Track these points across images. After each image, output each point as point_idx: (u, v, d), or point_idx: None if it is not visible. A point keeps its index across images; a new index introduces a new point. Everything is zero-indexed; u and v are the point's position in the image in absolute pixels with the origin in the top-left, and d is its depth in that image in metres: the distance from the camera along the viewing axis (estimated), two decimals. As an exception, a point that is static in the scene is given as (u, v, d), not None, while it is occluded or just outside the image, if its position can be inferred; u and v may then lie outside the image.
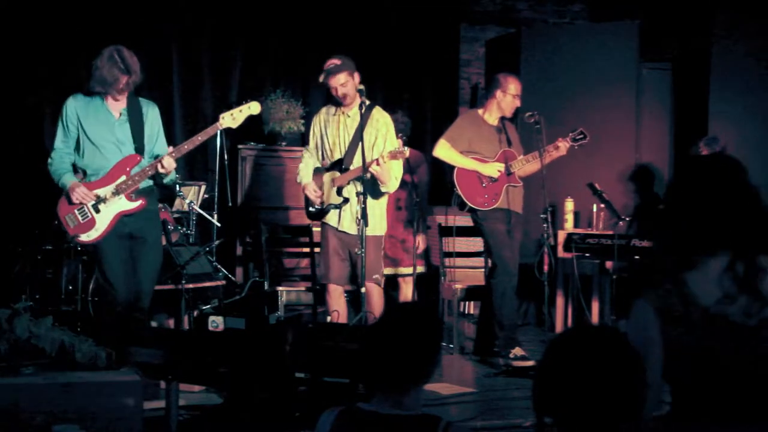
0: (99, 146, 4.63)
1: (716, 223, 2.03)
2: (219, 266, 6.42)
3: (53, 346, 3.56)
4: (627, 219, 5.98)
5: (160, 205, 5.91)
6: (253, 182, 7.31)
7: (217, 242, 6.64)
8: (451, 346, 5.98)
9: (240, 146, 7.33)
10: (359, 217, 4.92)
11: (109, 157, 4.63)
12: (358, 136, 5.05)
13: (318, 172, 5.33)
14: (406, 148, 4.99)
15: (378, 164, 4.91)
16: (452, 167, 5.58)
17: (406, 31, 7.98)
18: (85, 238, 4.63)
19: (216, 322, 4.12)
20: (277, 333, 3.99)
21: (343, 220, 5.15)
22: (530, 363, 5.32)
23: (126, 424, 3.30)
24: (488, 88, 5.67)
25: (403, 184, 5.50)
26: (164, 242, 5.87)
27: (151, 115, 4.78)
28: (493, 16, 8.38)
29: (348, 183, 5.10)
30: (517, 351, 5.46)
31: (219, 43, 7.59)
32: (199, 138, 4.68)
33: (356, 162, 5.06)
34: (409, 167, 5.65)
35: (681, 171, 2.18)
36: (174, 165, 4.66)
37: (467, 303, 7.47)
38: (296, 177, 5.48)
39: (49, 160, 4.69)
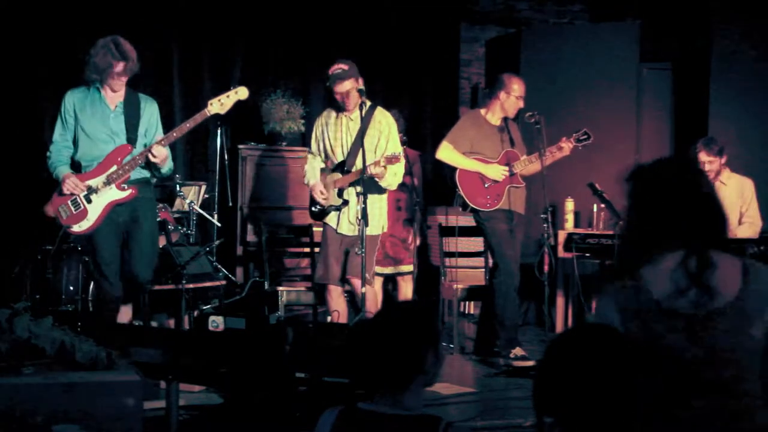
0: (93, 138, 4.69)
1: (671, 221, 2.13)
2: (219, 266, 6.42)
3: (53, 346, 3.55)
4: (627, 219, 5.97)
5: (161, 205, 5.92)
6: (254, 182, 7.30)
7: (217, 242, 6.64)
8: (451, 346, 5.98)
9: (240, 146, 7.33)
10: (359, 218, 4.93)
11: (102, 148, 4.69)
12: (360, 138, 5.05)
13: (323, 173, 5.34)
14: (400, 153, 4.99)
15: (377, 167, 4.92)
16: (454, 168, 5.58)
17: (406, 31, 7.98)
18: (77, 228, 4.67)
19: (216, 322, 4.12)
20: (277, 333, 3.99)
21: (342, 222, 5.18)
22: (530, 363, 5.32)
23: (126, 424, 3.30)
24: (492, 88, 5.66)
25: (402, 185, 5.51)
26: (164, 242, 5.88)
27: (149, 110, 4.82)
28: (493, 16, 8.38)
29: (348, 185, 5.12)
30: (518, 351, 5.46)
31: (219, 43, 7.59)
32: (188, 125, 4.72)
33: (358, 164, 5.09)
34: (409, 168, 5.66)
35: (640, 173, 2.27)
36: (165, 153, 4.67)
37: (467, 303, 7.47)
38: (303, 179, 5.49)
39: (48, 153, 4.75)
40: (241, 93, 4.82)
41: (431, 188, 7.40)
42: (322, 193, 5.23)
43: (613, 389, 1.75)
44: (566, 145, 5.55)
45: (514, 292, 5.50)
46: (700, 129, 6.82)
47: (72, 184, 4.62)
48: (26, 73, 6.88)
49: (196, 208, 6.65)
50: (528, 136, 5.78)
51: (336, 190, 5.16)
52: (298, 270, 7.06)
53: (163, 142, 4.67)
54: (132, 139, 4.72)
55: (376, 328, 2.18)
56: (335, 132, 5.24)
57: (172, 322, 5.85)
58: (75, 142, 4.74)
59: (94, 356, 3.58)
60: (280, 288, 6.15)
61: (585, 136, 5.60)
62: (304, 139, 7.78)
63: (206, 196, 6.96)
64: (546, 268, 5.88)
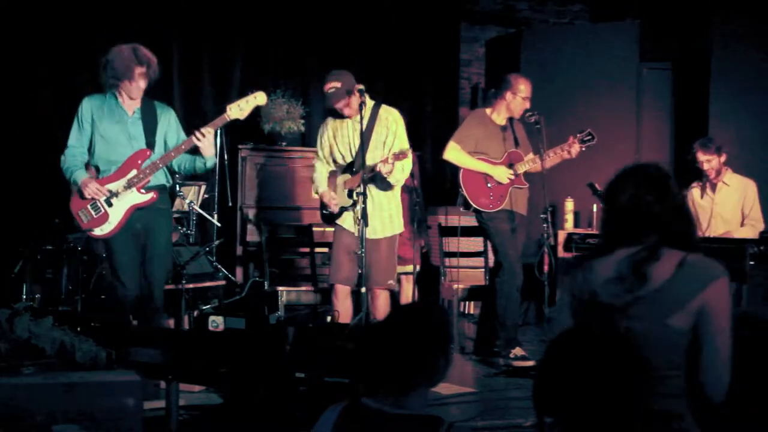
0: (112, 142, 4.69)
1: (631, 218, 2.35)
2: (219, 266, 6.42)
3: (53, 346, 3.56)
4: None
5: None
6: (253, 182, 7.30)
7: (216, 242, 6.64)
8: (451, 346, 5.97)
9: (240, 146, 7.33)
10: (359, 218, 4.93)
11: (121, 152, 4.69)
12: (367, 136, 5.08)
13: (332, 176, 5.34)
14: (408, 149, 5.01)
15: (385, 163, 4.93)
16: (457, 168, 5.58)
17: (406, 31, 7.99)
18: (99, 232, 4.68)
19: (216, 322, 4.12)
20: (277, 333, 3.99)
21: (354, 226, 5.15)
22: (530, 363, 5.31)
23: (126, 424, 3.30)
24: (498, 88, 5.66)
25: (403, 185, 5.51)
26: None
27: (165, 116, 4.83)
28: (493, 16, 8.39)
29: (359, 185, 5.11)
30: (518, 351, 5.46)
31: (219, 43, 7.59)
32: (209, 129, 4.70)
33: (369, 161, 5.10)
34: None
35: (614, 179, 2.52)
36: (211, 137, 4.68)
37: (467, 303, 7.47)
38: (310, 183, 5.49)
39: (62, 157, 4.74)
40: (260, 98, 4.82)
41: (431, 188, 7.41)
42: (332, 198, 5.22)
43: (613, 389, 1.75)
44: (574, 148, 5.54)
45: (517, 292, 5.50)
46: (700, 129, 6.82)
47: (94, 189, 4.61)
48: (27, 73, 6.88)
49: (196, 208, 6.65)
50: (528, 136, 5.78)
51: (346, 191, 5.15)
52: (298, 270, 7.06)
53: (183, 146, 4.68)
54: (151, 143, 4.72)
55: (390, 331, 2.18)
56: (342, 135, 5.23)
57: (171, 322, 5.85)
58: (91, 148, 4.75)
59: (94, 356, 3.58)
60: (280, 288, 6.15)
61: (589, 137, 5.60)
62: (303, 139, 7.79)
63: (206, 196, 6.96)
64: (546, 268, 5.87)
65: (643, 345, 2.08)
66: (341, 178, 5.25)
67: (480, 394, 4.84)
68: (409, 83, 7.99)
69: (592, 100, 7.33)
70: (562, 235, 6.63)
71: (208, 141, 4.68)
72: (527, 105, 5.54)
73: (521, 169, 5.57)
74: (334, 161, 5.33)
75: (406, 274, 6.36)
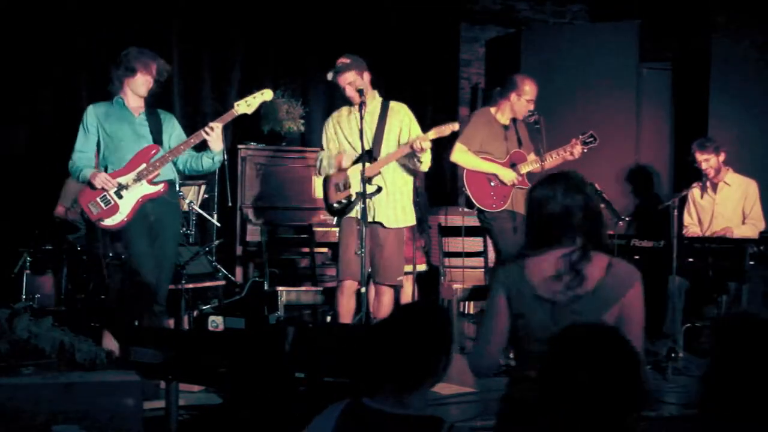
0: (120, 140, 4.80)
1: (560, 221, 2.59)
2: (219, 266, 6.42)
3: (53, 346, 3.56)
4: (627, 219, 5.98)
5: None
6: (253, 182, 7.30)
7: (216, 242, 6.64)
8: (452, 346, 5.97)
9: (240, 146, 7.33)
10: (359, 217, 4.92)
11: (130, 148, 4.79)
12: (380, 129, 5.10)
13: (340, 170, 5.29)
14: (455, 122, 5.05)
15: (425, 140, 4.94)
16: (462, 167, 5.59)
17: (406, 31, 7.98)
18: (109, 222, 4.75)
19: (216, 322, 4.12)
20: (277, 333, 3.99)
21: (377, 211, 5.12)
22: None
23: (126, 424, 3.30)
24: (504, 88, 5.66)
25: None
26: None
27: (169, 121, 4.96)
28: (493, 16, 8.38)
29: (378, 173, 5.10)
30: (518, 351, 5.45)
31: (219, 43, 7.59)
32: (218, 123, 4.79)
33: (384, 152, 5.10)
34: None
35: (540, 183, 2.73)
36: (220, 131, 4.76)
37: (467, 303, 7.47)
38: (316, 172, 5.46)
39: (70, 162, 4.84)
40: (267, 95, 4.96)
41: (431, 188, 7.40)
42: (347, 159, 5.17)
43: (613, 387, 1.76)
44: (576, 150, 5.55)
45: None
46: (700, 129, 6.81)
47: (103, 179, 4.69)
48: (27, 73, 6.87)
49: (196, 208, 6.65)
50: (528, 132, 5.78)
51: (362, 178, 5.08)
52: (298, 270, 7.06)
53: (193, 139, 4.77)
54: (158, 140, 4.83)
55: (392, 331, 2.18)
56: (349, 127, 5.20)
57: (171, 322, 5.85)
58: (99, 152, 4.85)
59: (94, 356, 3.59)
60: (280, 288, 6.15)
61: (591, 139, 5.61)
62: (303, 139, 7.78)
63: (206, 196, 6.96)
64: (546, 268, 5.86)
65: None
66: (355, 168, 5.17)
67: (480, 394, 4.83)
68: (409, 83, 7.98)
69: (591, 100, 7.32)
70: (562, 235, 6.62)
71: (216, 135, 4.76)
72: (531, 107, 5.54)
73: (524, 169, 5.57)
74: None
75: (406, 274, 6.36)
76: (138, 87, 4.79)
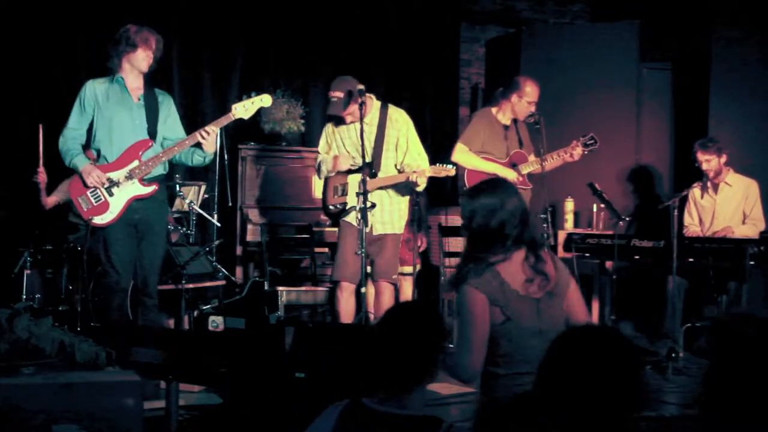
0: (116, 128, 4.73)
1: (510, 226, 2.84)
2: (219, 266, 6.42)
3: (53, 346, 3.56)
4: (627, 219, 5.99)
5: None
6: (253, 182, 7.30)
7: (216, 242, 6.64)
8: (451, 345, 5.96)
9: (240, 146, 7.33)
10: (359, 218, 4.93)
11: (124, 139, 4.73)
12: (379, 138, 5.14)
13: (339, 176, 5.33)
14: (452, 167, 5.10)
15: (421, 176, 5.02)
16: (464, 167, 5.60)
17: (406, 31, 7.98)
18: (99, 220, 4.72)
19: (216, 322, 4.12)
20: (277, 333, 3.99)
21: (374, 218, 5.14)
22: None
23: (126, 424, 3.30)
24: (506, 88, 5.67)
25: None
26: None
27: (166, 104, 4.91)
28: (493, 16, 8.38)
29: (376, 189, 5.13)
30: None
31: (219, 43, 7.59)
32: (214, 127, 4.76)
33: (384, 162, 5.16)
34: None
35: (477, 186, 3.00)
36: (215, 135, 4.75)
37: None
38: (318, 170, 5.48)
39: (61, 138, 4.76)
40: (266, 101, 4.91)
41: (431, 188, 7.40)
42: (345, 161, 5.21)
43: (613, 389, 1.76)
44: (577, 152, 5.55)
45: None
46: (700, 129, 6.81)
47: (96, 177, 4.66)
48: (26, 73, 6.87)
49: (196, 208, 6.65)
50: (529, 133, 5.79)
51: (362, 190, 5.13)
52: (298, 270, 7.06)
53: (188, 141, 4.75)
54: (153, 132, 4.78)
55: (386, 331, 2.18)
56: (348, 137, 5.22)
57: (171, 322, 5.85)
58: (92, 131, 4.77)
59: (94, 356, 3.59)
60: (280, 288, 6.15)
61: (592, 141, 5.62)
62: (303, 139, 7.78)
63: (206, 196, 6.96)
64: (546, 268, 5.86)
65: (557, 328, 2.57)
66: (354, 177, 5.22)
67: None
68: (409, 83, 7.98)
69: (591, 100, 7.32)
70: (562, 235, 6.62)
71: (211, 139, 4.75)
72: (532, 109, 5.55)
73: (525, 170, 5.59)
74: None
75: (405, 274, 6.36)
76: (139, 62, 4.74)
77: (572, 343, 1.85)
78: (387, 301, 5.17)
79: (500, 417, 2.12)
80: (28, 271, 5.95)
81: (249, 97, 4.94)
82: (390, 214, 5.23)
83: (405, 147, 5.16)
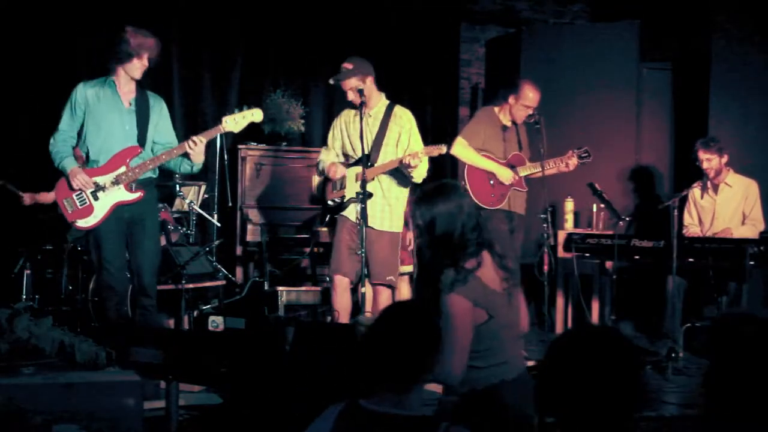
0: (106, 131, 4.72)
1: (472, 230, 2.97)
2: (219, 266, 6.42)
3: (53, 346, 3.56)
4: (627, 219, 5.99)
5: (160, 205, 5.92)
6: (253, 182, 7.30)
7: (216, 242, 6.64)
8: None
9: (240, 146, 7.33)
10: (359, 217, 4.93)
11: (113, 142, 4.72)
12: (381, 133, 5.12)
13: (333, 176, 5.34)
14: (443, 145, 5.04)
15: (414, 158, 4.96)
16: (459, 162, 5.60)
17: (406, 31, 7.98)
18: (83, 223, 4.72)
19: (216, 322, 4.11)
20: (277, 333, 3.99)
21: (370, 215, 5.12)
22: (530, 363, 5.31)
23: (126, 424, 3.30)
24: (509, 89, 5.68)
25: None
26: (164, 242, 5.88)
27: (158, 108, 4.88)
28: (493, 16, 8.38)
29: (373, 178, 5.12)
30: (517, 351, 5.46)
31: (219, 43, 7.59)
32: (202, 138, 4.75)
33: (382, 157, 5.13)
34: None
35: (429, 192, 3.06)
36: (203, 146, 4.73)
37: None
38: (317, 167, 5.48)
39: (52, 141, 4.75)
40: (257, 116, 4.89)
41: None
42: (341, 170, 5.22)
43: (613, 389, 1.75)
44: (572, 162, 5.58)
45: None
46: (700, 129, 6.81)
47: (82, 181, 4.65)
48: (26, 73, 6.87)
49: (196, 208, 6.65)
50: (529, 137, 5.79)
51: (358, 182, 5.13)
52: (298, 270, 7.06)
53: (175, 151, 4.72)
54: (142, 138, 4.77)
55: (381, 331, 2.18)
56: (355, 128, 5.23)
57: (171, 322, 5.85)
58: (82, 133, 4.76)
59: (94, 356, 3.59)
60: (280, 288, 6.15)
61: (586, 155, 5.65)
62: (303, 139, 7.79)
63: (206, 196, 6.96)
64: (546, 268, 5.87)
65: (519, 318, 3.02)
66: (352, 171, 5.23)
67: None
68: (409, 83, 7.98)
69: (592, 100, 7.32)
70: (561, 235, 6.63)
71: (199, 149, 4.73)
72: (529, 112, 5.54)
73: (523, 172, 5.60)
74: (345, 154, 5.33)
75: (404, 274, 6.36)
76: (134, 71, 4.74)
77: (572, 343, 1.85)
78: (383, 303, 5.14)
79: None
80: (28, 272, 5.96)
81: (241, 110, 4.92)
82: (387, 213, 5.18)
83: (406, 143, 5.16)
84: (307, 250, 6.54)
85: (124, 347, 3.81)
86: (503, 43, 8.17)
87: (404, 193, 5.29)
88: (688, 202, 6.17)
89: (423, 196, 3.05)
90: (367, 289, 5.13)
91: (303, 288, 6.38)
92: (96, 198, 4.69)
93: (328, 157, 5.37)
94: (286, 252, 6.97)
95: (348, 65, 5.19)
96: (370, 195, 5.02)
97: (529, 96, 5.51)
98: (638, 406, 1.78)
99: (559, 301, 6.95)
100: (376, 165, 5.14)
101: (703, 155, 5.90)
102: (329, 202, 5.32)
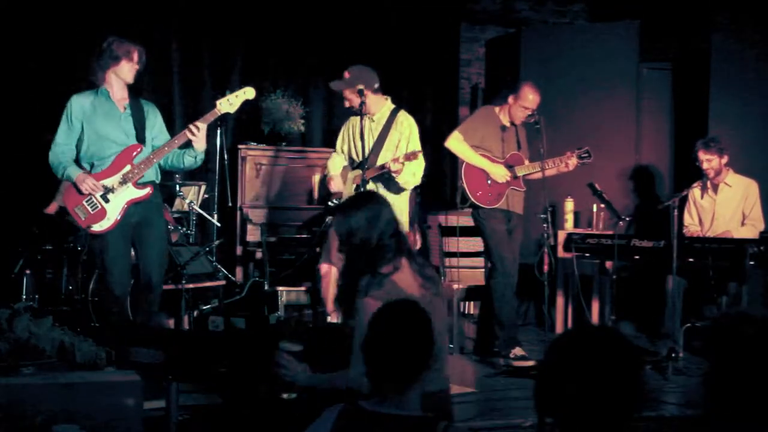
0: (105, 137, 4.72)
1: (390, 236, 3.05)
2: (219, 266, 6.42)
3: (53, 346, 3.56)
4: (627, 219, 5.99)
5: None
6: (253, 182, 7.30)
7: (216, 242, 6.64)
8: (451, 346, 5.97)
9: (240, 146, 7.33)
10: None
11: (114, 147, 4.72)
12: (382, 138, 5.14)
13: (345, 170, 5.37)
14: (419, 150, 5.04)
15: (396, 162, 4.95)
16: (458, 164, 5.60)
17: (406, 31, 7.98)
18: (98, 228, 4.70)
19: (216, 322, 4.12)
20: (277, 333, 3.99)
21: None
22: (530, 363, 5.32)
23: (126, 424, 3.30)
24: (508, 89, 5.69)
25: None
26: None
27: (152, 113, 4.89)
28: (493, 16, 8.38)
29: (369, 181, 5.13)
30: (517, 351, 5.46)
31: (219, 43, 7.59)
32: (201, 123, 4.77)
33: (380, 161, 5.14)
34: None
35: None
36: (204, 131, 4.75)
37: (467, 303, 7.47)
38: (324, 171, 5.49)
39: (51, 154, 4.74)
40: (249, 93, 4.90)
41: (431, 189, 7.40)
42: (339, 187, 5.24)
43: (613, 389, 1.75)
44: (572, 162, 5.56)
45: (511, 292, 5.50)
46: (700, 129, 6.81)
47: (91, 185, 4.63)
48: (26, 73, 6.88)
49: (196, 208, 6.65)
50: (528, 137, 5.79)
51: (355, 186, 5.17)
52: (298, 270, 7.06)
53: (177, 141, 4.74)
54: (141, 138, 4.78)
55: (376, 332, 2.18)
56: (356, 132, 5.25)
57: (171, 322, 5.85)
58: (80, 145, 4.75)
59: (94, 356, 3.59)
60: (280, 288, 6.15)
61: (586, 155, 5.63)
62: (303, 139, 7.79)
63: (206, 196, 6.96)
64: (546, 268, 5.88)
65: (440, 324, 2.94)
66: (352, 174, 5.28)
67: (480, 394, 4.83)
68: (409, 83, 7.99)
69: (591, 100, 7.32)
70: (561, 235, 6.63)
71: (201, 135, 4.74)
72: (527, 113, 5.54)
73: (520, 172, 5.59)
74: (351, 159, 5.35)
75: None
76: (125, 74, 4.73)
77: (572, 343, 1.85)
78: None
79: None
80: (28, 272, 5.96)
81: (233, 91, 4.94)
82: None
83: (404, 150, 5.16)
84: (307, 250, 6.53)
85: (124, 347, 3.81)
86: (503, 43, 8.17)
87: (400, 197, 5.25)
88: (688, 202, 6.17)
89: (341, 206, 3.24)
90: None
91: (303, 288, 6.38)
92: (107, 200, 4.68)
93: (334, 163, 5.42)
94: (286, 252, 6.97)
95: (347, 74, 5.21)
96: None
97: (529, 97, 5.50)
98: (638, 406, 1.78)
99: (559, 301, 6.95)
100: (371, 168, 5.15)
101: (703, 156, 5.89)
102: (329, 203, 5.35)
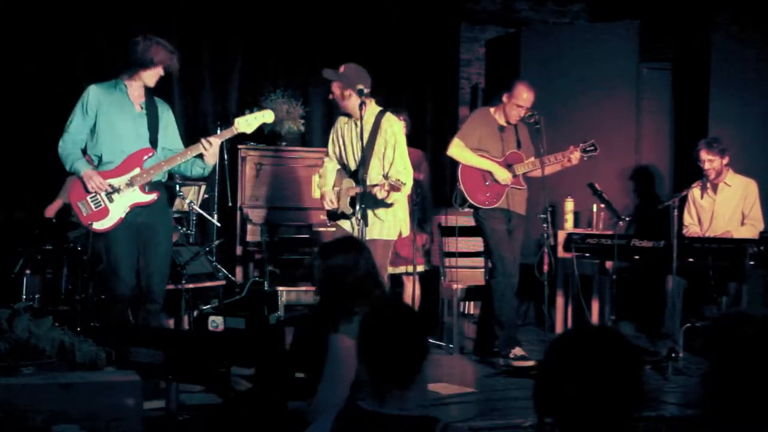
0: (118, 135, 4.69)
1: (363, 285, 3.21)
2: (219, 266, 6.42)
3: (53, 346, 3.56)
4: (627, 219, 5.99)
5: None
6: (253, 182, 7.30)
7: (216, 242, 6.64)
8: (451, 346, 5.98)
9: (240, 146, 7.33)
10: (359, 218, 4.92)
11: (126, 145, 4.69)
12: (369, 145, 5.07)
13: (339, 175, 5.31)
14: (402, 183, 4.88)
15: (381, 189, 4.86)
16: (457, 162, 5.59)
17: (406, 32, 7.99)
18: (98, 226, 4.68)
19: (216, 322, 4.12)
20: (277, 333, 3.99)
21: (355, 230, 5.13)
22: (530, 363, 5.32)
23: (126, 424, 3.30)
24: (504, 89, 5.68)
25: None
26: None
27: (166, 114, 4.87)
28: (493, 16, 8.38)
29: (364, 191, 5.10)
30: (517, 351, 5.46)
31: (219, 43, 7.59)
32: (216, 139, 4.77)
33: (370, 172, 5.04)
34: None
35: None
36: (217, 147, 4.75)
37: (467, 303, 7.47)
38: (316, 184, 5.46)
39: (61, 142, 4.69)
40: (268, 117, 4.89)
41: (431, 189, 7.40)
42: (331, 201, 5.21)
43: (613, 390, 1.76)
44: (575, 156, 5.54)
45: (511, 292, 5.50)
46: (700, 129, 6.81)
47: (97, 183, 4.61)
48: (27, 72, 6.88)
49: (196, 208, 6.65)
50: (529, 136, 5.78)
51: (349, 198, 5.14)
52: (298, 270, 7.06)
53: (190, 152, 4.72)
54: (154, 141, 4.75)
55: (370, 332, 2.18)
56: (348, 138, 5.22)
57: (171, 322, 5.85)
58: (93, 136, 4.71)
59: (94, 356, 3.59)
60: (280, 288, 6.15)
61: (592, 148, 5.60)
62: (303, 139, 7.79)
63: (206, 196, 6.96)
64: (546, 268, 5.87)
65: None
66: (346, 184, 5.23)
67: (480, 394, 4.83)
68: (409, 83, 7.99)
69: (591, 100, 7.32)
70: (561, 235, 6.63)
71: (213, 150, 4.74)
72: (522, 113, 5.53)
73: (520, 170, 5.58)
74: (342, 163, 5.31)
75: (408, 274, 6.36)
76: (150, 79, 4.71)
77: (572, 343, 1.85)
78: None
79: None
80: (28, 272, 5.96)
81: (252, 111, 4.91)
82: (379, 222, 5.13)
83: (391, 158, 5.10)
84: (307, 250, 6.54)
85: (124, 347, 3.81)
86: (503, 43, 8.18)
87: (400, 202, 5.20)
88: (687, 202, 6.17)
89: (321, 250, 3.42)
90: None
91: (303, 288, 6.38)
92: (111, 200, 4.66)
93: (327, 170, 5.32)
94: (286, 252, 6.97)
95: (342, 68, 5.14)
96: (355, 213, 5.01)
97: (523, 96, 5.49)
98: (638, 406, 1.79)
99: (559, 301, 6.95)
100: (367, 181, 5.05)
101: (705, 156, 5.89)
102: (329, 208, 5.33)
